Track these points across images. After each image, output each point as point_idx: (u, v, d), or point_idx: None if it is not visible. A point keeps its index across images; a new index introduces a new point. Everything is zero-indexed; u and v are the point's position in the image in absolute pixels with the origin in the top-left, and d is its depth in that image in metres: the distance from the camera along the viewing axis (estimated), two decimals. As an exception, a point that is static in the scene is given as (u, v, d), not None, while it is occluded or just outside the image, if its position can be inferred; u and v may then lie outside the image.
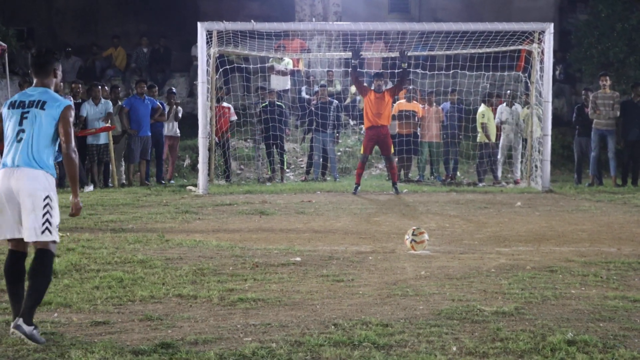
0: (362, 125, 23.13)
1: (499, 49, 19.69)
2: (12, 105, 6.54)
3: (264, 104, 20.56)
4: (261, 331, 6.33)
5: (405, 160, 20.67)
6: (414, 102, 20.70)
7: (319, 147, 20.53)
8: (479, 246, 10.50)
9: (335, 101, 20.82)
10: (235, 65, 21.81)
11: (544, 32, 18.58)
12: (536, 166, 18.99)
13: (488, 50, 19.77)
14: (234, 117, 20.48)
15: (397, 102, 20.73)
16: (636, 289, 7.78)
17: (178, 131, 20.49)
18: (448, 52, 20.75)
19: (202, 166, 17.74)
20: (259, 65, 22.39)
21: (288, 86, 23.10)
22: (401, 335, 6.17)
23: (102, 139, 18.66)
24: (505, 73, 21.51)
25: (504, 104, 20.44)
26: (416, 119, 20.46)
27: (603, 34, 25.05)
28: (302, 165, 21.86)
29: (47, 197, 6.37)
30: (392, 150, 17.78)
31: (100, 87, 19.16)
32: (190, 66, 25.75)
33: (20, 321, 6.08)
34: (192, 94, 25.09)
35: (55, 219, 6.43)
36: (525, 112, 19.97)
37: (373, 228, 12.26)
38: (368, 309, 7.05)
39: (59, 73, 6.72)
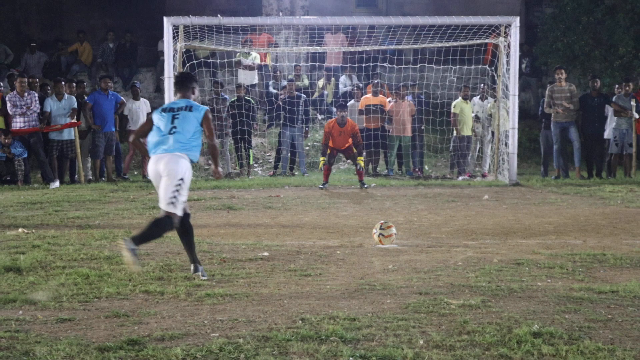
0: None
1: (466, 43, 19.77)
2: (164, 110, 8.33)
3: (232, 99, 20.52)
4: (228, 327, 6.31)
5: (373, 154, 20.71)
6: (381, 96, 20.73)
7: (287, 142, 20.51)
8: (447, 239, 10.53)
9: (303, 96, 20.82)
10: (202, 60, 21.71)
11: (510, 25, 18.67)
12: (503, 159, 19.09)
13: (455, 44, 19.86)
14: None
15: (364, 97, 20.77)
16: (601, 281, 7.83)
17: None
18: (415, 46, 20.79)
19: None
20: (226, 60, 22.32)
21: (255, 81, 23.05)
22: (368, 329, 6.17)
23: (67, 134, 18.54)
24: (472, 67, 21.60)
25: (477, 97, 20.55)
26: (384, 113, 20.49)
27: (569, 28, 25.20)
28: (270, 160, 21.84)
29: (181, 178, 8.02)
30: (360, 158, 17.76)
31: (63, 82, 19.02)
32: (156, 61, 25.61)
33: (197, 266, 8.16)
34: (159, 89, 24.97)
35: (183, 196, 8.06)
36: (492, 106, 20.08)
37: (341, 222, 12.27)
38: (335, 303, 7.05)
39: (197, 91, 8.57)
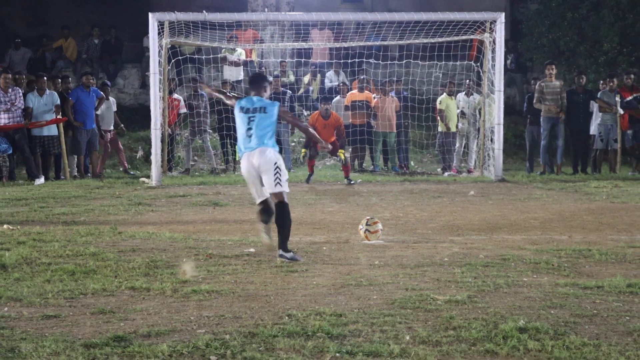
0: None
1: (451, 39, 19.80)
2: (242, 109, 9.39)
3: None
4: (215, 323, 6.30)
5: (359, 150, 20.72)
6: (367, 92, 20.74)
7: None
8: (433, 235, 10.55)
9: (289, 91, 20.82)
10: (188, 56, 21.68)
11: (495, 21, 18.70)
12: (489, 155, 19.13)
13: (440, 40, 19.87)
14: (184, 110, 20.36)
15: (350, 93, 20.78)
16: (587, 276, 7.86)
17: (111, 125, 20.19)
18: (401, 42, 20.80)
19: (154, 158, 17.64)
20: (211, 56, 22.30)
21: (241, 77, 23.01)
22: (355, 325, 6.17)
23: (49, 130, 18.47)
24: (458, 63, 21.64)
25: (463, 93, 20.59)
26: (369, 109, 20.50)
27: (554, 24, 25.27)
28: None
29: (275, 163, 9.10)
30: (341, 151, 17.69)
31: (45, 78, 18.94)
32: (142, 57, 25.55)
33: (280, 251, 8.91)
34: (145, 85, 24.91)
35: (284, 176, 9.13)
36: (479, 102, 20.13)
37: (327, 218, 12.27)
38: (322, 299, 7.04)
39: (269, 89, 9.65)
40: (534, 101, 19.71)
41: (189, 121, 20.41)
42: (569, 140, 20.35)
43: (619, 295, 7.07)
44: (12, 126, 17.88)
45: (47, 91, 18.64)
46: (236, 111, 9.49)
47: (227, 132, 20.16)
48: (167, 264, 8.54)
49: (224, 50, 22.43)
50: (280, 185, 9.08)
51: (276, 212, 9.16)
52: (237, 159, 20.75)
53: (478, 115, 20.17)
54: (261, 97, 9.51)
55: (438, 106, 20.43)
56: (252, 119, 9.32)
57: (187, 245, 9.62)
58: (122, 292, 7.35)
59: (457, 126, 20.47)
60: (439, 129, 20.56)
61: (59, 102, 18.63)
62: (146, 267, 8.33)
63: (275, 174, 9.10)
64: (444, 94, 20.48)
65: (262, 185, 9.21)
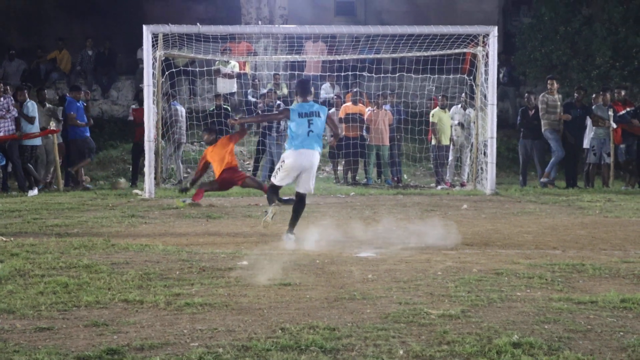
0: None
1: (444, 52, 19.85)
2: (300, 115, 11.06)
3: (211, 108, 20.50)
4: (208, 336, 6.29)
5: (352, 163, 20.73)
6: (360, 104, 20.77)
7: (266, 150, 20.52)
8: (426, 249, 10.54)
9: (282, 104, 20.80)
10: (182, 68, 21.69)
11: (488, 35, 18.76)
12: (482, 169, 19.15)
13: (433, 53, 19.92)
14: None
15: (344, 105, 20.82)
16: (580, 291, 7.86)
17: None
18: (394, 55, 20.86)
19: (148, 170, 17.63)
20: (205, 69, 22.32)
21: (234, 89, 23.02)
22: (348, 339, 6.17)
23: (41, 141, 18.51)
24: (451, 76, 21.68)
25: (458, 106, 20.62)
26: (363, 122, 20.52)
27: (546, 37, 25.39)
28: (248, 169, 21.81)
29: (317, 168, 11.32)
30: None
31: (25, 90, 18.95)
32: (136, 69, 25.57)
33: (287, 233, 11.18)
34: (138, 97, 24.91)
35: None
36: (474, 115, 20.18)
37: (319, 232, 12.23)
38: (315, 312, 7.04)
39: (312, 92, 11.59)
40: (541, 114, 19.70)
41: (170, 133, 20.30)
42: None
43: (612, 311, 7.07)
44: (5, 137, 17.86)
45: (28, 101, 18.64)
46: (294, 117, 11.07)
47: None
48: (161, 276, 8.53)
49: (217, 62, 22.44)
50: (311, 187, 11.37)
51: (297, 202, 11.39)
52: None
53: (472, 129, 20.19)
54: (312, 101, 11.35)
55: (431, 119, 20.47)
56: (311, 121, 11.07)
57: (180, 258, 9.60)
58: (115, 304, 7.33)
59: (451, 139, 20.50)
60: (432, 142, 20.59)
61: (35, 113, 18.62)
62: (139, 280, 8.32)
63: (314, 178, 11.36)
64: (437, 107, 20.52)
65: (296, 177, 11.21)
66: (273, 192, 11.59)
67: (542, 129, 19.69)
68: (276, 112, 12.03)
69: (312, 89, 11.15)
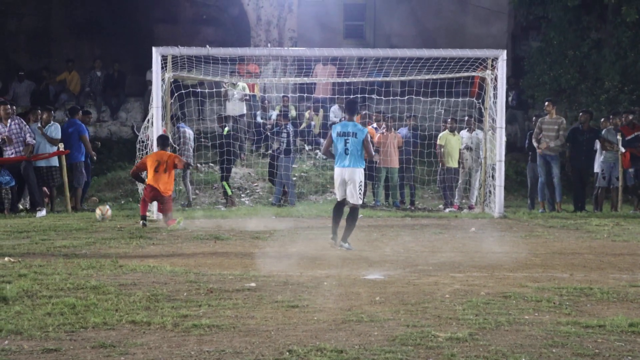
0: (318, 151, 23.25)
1: (453, 75, 19.88)
2: (338, 134, 12.56)
3: (226, 131, 20.52)
4: (215, 358, 6.29)
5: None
6: (370, 127, 20.78)
7: (274, 172, 20.55)
8: (434, 271, 10.52)
9: (290, 126, 20.83)
10: (191, 90, 21.75)
11: (497, 58, 18.78)
12: (490, 192, 19.13)
13: (442, 76, 19.94)
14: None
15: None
16: (588, 315, 7.84)
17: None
18: (403, 78, 20.87)
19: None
20: (214, 90, 22.40)
21: (244, 111, 23.06)
22: (356, 362, 6.16)
23: (48, 162, 18.48)
24: (460, 99, 21.69)
25: (466, 130, 20.63)
26: (372, 145, 20.50)
27: (555, 61, 25.41)
28: (257, 190, 21.83)
29: (360, 182, 12.56)
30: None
31: (52, 111, 19.01)
32: (144, 90, 25.66)
33: (341, 242, 12.57)
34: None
35: (363, 192, 13.20)
36: (480, 137, 20.19)
37: (328, 253, 12.24)
38: (323, 334, 7.03)
39: (359, 114, 12.93)
40: (533, 137, 19.74)
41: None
42: (570, 178, 20.38)
43: (620, 335, 7.06)
44: (14, 159, 17.89)
45: (52, 123, 18.72)
46: (334, 135, 12.60)
47: (227, 166, 20.20)
48: (168, 297, 8.53)
49: (226, 84, 22.49)
50: (359, 199, 12.68)
51: (349, 213, 12.71)
52: (229, 193, 20.63)
53: (481, 152, 20.18)
54: (355, 122, 12.66)
55: (439, 142, 20.47)
56: (347, 141, 12.48)
57: (187, 279, 9.60)
58: (122, 326, 7.33)
59: (459, 162, 20.49)
60: (439, 165, 20.59)
61: (59, 135, 18.64)
62: (147, 301, 8.32)
63: (359, 190, 12.58)
64: (446, 130, 20.53)
65: (345, 191, 12.63)
66: (335, 207, 13.02)
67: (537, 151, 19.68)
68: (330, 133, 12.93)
69: (359, 111, 12.45)
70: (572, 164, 19.92)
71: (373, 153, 13.31)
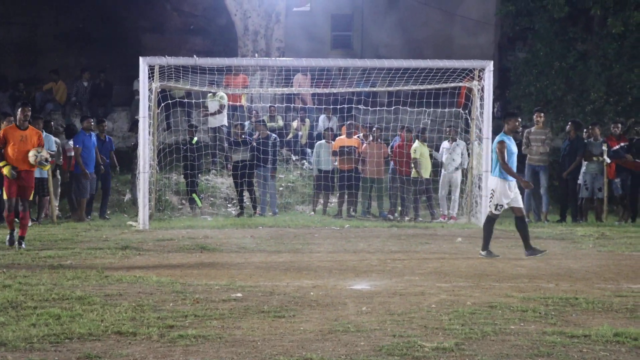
0: (305, 161, 23.23)
1: (440, 86, 19.91)
2: None
3: (194, 141, 20.49)
4: (201, 368, 6.29)
5: (348, 195, 20.68)
6: (354, 137, 20.78)
7: (260, 182, 20.52)
8: (420, 282, 10.53)
9: (274, 136, 20.78)
10: (178, 100, 21.70)
11: (483, 69, 18.84)
12: (476, 202, 19.16)
13: (429, 86, 19.98)
14: None
15: (338, 138, 20.82)
16: (574, 325, 7.86)
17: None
18: (390, 89, 20.89)
19: (142, 201, 17.61)
20: (201, 100, 22.37)
21: (225, 122, 22.86)
22: (342, 372, 6.16)
23: (40, 173, 18.30)
24: (446, 109, 21.72)
25: (446, 141, 20.62)
26: (357, 154, 20.50)
27: (541, 72, 25.52)
28: (244, 201, 21.75)
29: (492, 189, 13.17)
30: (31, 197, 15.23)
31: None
32: (131, 100, 25.61)
33: (525, 252, 13.15)
34: (133, 128, 24.92)
35: (495, 200, 13.11)
36: (464, 148, 20.20)
37: (314, 263, 12.25)
38: (309, 345, 7.03)
39: (506, 126, 13.33)
40: (522, 147, 19.78)
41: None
42: (556, 189, 20.43)
43: (606, 345, 7.08)
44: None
45: (44, 133, 18.61)
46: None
47: (192, 179, 20.28)
48: (154, 308, 8.51)
49: (209, 95, 22.34)
50: (489, 207, 13.23)
51: (517, 222, 13.34)
52: (199, 205, 20.56)
53: (465, 162, 20.16)
54: (502, 132, 13.23)
55: (412, 155, 20.28)
56: (493, 150, 13.40)
57: (174, 290, 9.58)
58: (108, 336, 7.31)
59: (431, 173, 20.39)
60: (412, 176, 20.34)
61: (54, 146, 18.53)
62: (132, 312, 8.30)
63: (490, 198, 13.18)
64: (417, 141, 20.34)
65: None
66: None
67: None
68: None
69: (508, 121, 13.42)
70: (560, 174, 19.99)
71: (503, 162, 13.10)
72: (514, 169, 13.13)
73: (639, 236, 16.36)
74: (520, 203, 13.28)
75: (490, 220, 13.27)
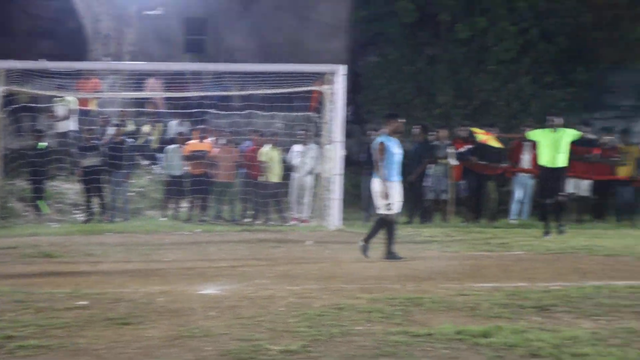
0: (154, 166, 22.94)
1: (291, 90, 19.99)
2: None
3: (42, 145, 19.98)
4: (41, 379, 6.12)
5: (199, 200, 20.53)
6: (206, 141, 20.65)
7: (112, 188, 20.18)
8: (270, 285, 10.54)
9: (128, 140, 20.47)
10: (24, 104, 21.08)
11: (335, 73, 19.02)
12: (327, 205, 19.32)
13: (280, 90, 20.02)
14: None
15: (189, 142, 20.65)
16: (418, 324, 8.01)
17: None
18: (242, 92, 20.87)
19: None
20: (49, 104, 21.82)
21: (71, 127, 22.32)
22: (186, 378, 6.11)
23: None
24: (299, 113, 21.82)
25: (299, 145, 20.72)
26: (209, 159, 20.36)
27: (392, 76, 25.97)
28: (92, 207, 21.30)
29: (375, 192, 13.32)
30: None
31: None
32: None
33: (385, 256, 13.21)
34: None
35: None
36: (316, 151, 20.35)
37: (163, 269, 12.12)
38: (154, 351, 6.93)
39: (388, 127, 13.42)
40: None
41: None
42: (405, 191, 20.79)
43: (448, 342, 7.23)
44: None
45: None
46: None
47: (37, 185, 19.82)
48: (-8, 317, 8.23)
49: (57, 99, 21.83)
50: (379, 209, 13.25)
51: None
52: (45, 211, 20.11)
53: (317, 166, 20.30)
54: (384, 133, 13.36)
55: (260, 158, 20.31)
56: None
57: (14, 299, 9.27)
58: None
59: (281, 177, 20.49)
60: (260, 180, 20.37)
61: None
62: (-32, 321, 8.00)
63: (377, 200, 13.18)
64: (266, 146, 20.41)
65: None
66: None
67: None
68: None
69: (389, 122, 13.40)
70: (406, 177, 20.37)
71: (378, 166, 13.15)
72: (397, 170, 13.18)
73: (483, 236, 16.87)
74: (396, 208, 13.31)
75: (385, 221, 13.18)
